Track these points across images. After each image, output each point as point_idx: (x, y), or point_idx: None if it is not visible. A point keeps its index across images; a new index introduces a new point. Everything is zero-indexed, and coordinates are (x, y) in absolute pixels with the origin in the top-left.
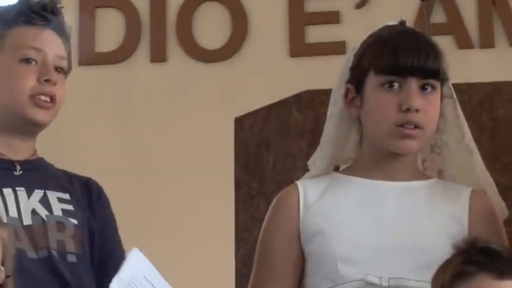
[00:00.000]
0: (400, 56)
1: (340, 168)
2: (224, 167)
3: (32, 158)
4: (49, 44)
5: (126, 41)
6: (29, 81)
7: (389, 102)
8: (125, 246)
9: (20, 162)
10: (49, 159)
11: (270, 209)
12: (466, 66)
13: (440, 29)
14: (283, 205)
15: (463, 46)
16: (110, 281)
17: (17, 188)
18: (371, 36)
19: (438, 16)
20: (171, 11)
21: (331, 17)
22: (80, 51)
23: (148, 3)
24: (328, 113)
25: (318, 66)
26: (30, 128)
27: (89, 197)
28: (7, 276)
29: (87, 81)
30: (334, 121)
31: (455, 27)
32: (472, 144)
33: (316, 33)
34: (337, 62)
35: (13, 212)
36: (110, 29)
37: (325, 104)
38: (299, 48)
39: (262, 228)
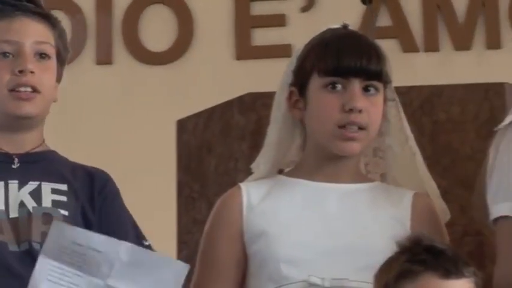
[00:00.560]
0: (343, 58)
1: (284, 172)
2: (166, 169)
3: (35, 150)
4: (24, 33)
5: (72, 43)
6: (5, 76)
7: (332, 102)
8: None
9: (19, 155)
10: None
11: (213, 210)
12: (411, 69)
13: (386, 33)
14: (226, 206)
15: (408, 49)
16: None
17: (10, 181)
18: (314, 39)
19: (384, 20)
20: (117, 13)
21: (277, 20)
22: None
23: (94, 5)
24: (272, 116)
25: (264, 68)
26: (19, 122)
27: (91, 188)
28: None
29: None
30: (278, 124)
31: (400, 30)
32: (415, 147)
33: (262, 36)
34: (283, 65)
35: (1, 205)
36: None
37: (267, 106)
38: (245, 50)
39: (205, 229)
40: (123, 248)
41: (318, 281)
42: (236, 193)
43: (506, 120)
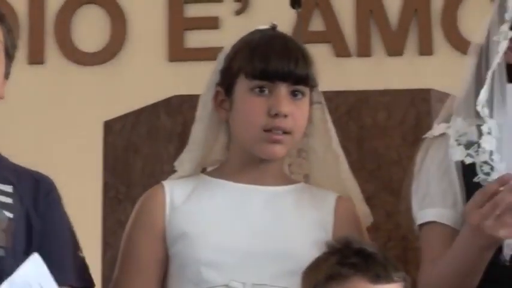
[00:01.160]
0: (270, 62)
1: (208, 170)
2: (93, 170)
3: None
4: None
5: None
6: None
7: (258, 106)
8: None
9: None
10: None
11: (136, 207)
12: (344, 74)
13: (319, 37)
14: (149, 204)
15: (340, 54)
16: None
17: None
18: (242, 39)
19: (316, 24)
20: (50, 13)
21: (211, 23)
22: None
23: (26, 5)
24: (197, 115)
25: (197, 71)
26: None
27: (36, 193)
28: None
29: None
30: (203, 123)
31: (333, 35)
32: (339, 150)
33: (195, 38)
34: None
35: None
36: None
37: (194, 109)
38: (178, 52)
39: (127, 227)
40: None
41: (239, 286)
42: (159, 192)
43: (435, 131)
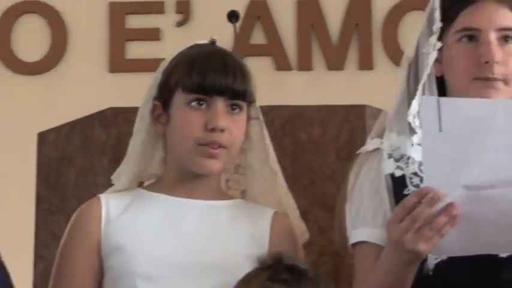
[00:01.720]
0: (208, 76)
1: (144, 184)
2: (26, 181)
3: None
4: None
5: None
6: None
7: (195, 120)
8: None
9: None
10: None
11: (71, 220)
12: (284, 87)
13: (260, 50)
14: (84, 217)
15: (281, 68)
16: None
17: None
18: (180, 53)
19: (258, 37)
20: None
21: (152, 34)
22: None
23: None
24: (135, 128)
25: (138, 82)
26: None
27: None
28: None
29: None
30: (140, 137)
31: (274, 49)
32: (276, 166)
33: (136, 50)
34: None
35: None
36: None
37: (128, 121)
38: (119, 64)
39: (63, 239)
40: None
41: None
42: (95, 204)
43: (369, 147)
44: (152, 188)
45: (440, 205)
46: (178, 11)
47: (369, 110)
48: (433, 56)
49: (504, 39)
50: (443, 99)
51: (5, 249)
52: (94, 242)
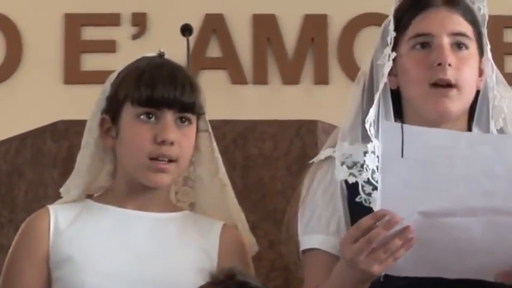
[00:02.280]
0: (156, 89)
1: (94, 196)
2: None
3: None
4: None
5: None
6: None
7: (144, 133)
8: None
9: None
10: None
11: (19, 230)
12: (239, 101)
13: (215, 64)
14: (33, 228)
15: (236, 81)
16: None
17: None
18: (128, 66)
19: (213, 50)
20: None
21: (108, 46)
22: None
23: None
24: (83, 141)
25: (92, 94)
26: None
27: None
28: None
29: None
30: (89, 150)
31: (229, 62)
32: (226, 179)
33: (91, 62)
34: None
35: None
36: None
37: (79, 134)
38: (74, 75)
39: (10, 250)
40: None
41: None
42: (43, 215)
43: (322, 155)
44: (101, 199)
45: (396, 228)
46: (134, 24)
47: (320, 125)
48: (388, 66)
49: (457, 45)
50: (407, 126)
51: None
52: (42, 253)
